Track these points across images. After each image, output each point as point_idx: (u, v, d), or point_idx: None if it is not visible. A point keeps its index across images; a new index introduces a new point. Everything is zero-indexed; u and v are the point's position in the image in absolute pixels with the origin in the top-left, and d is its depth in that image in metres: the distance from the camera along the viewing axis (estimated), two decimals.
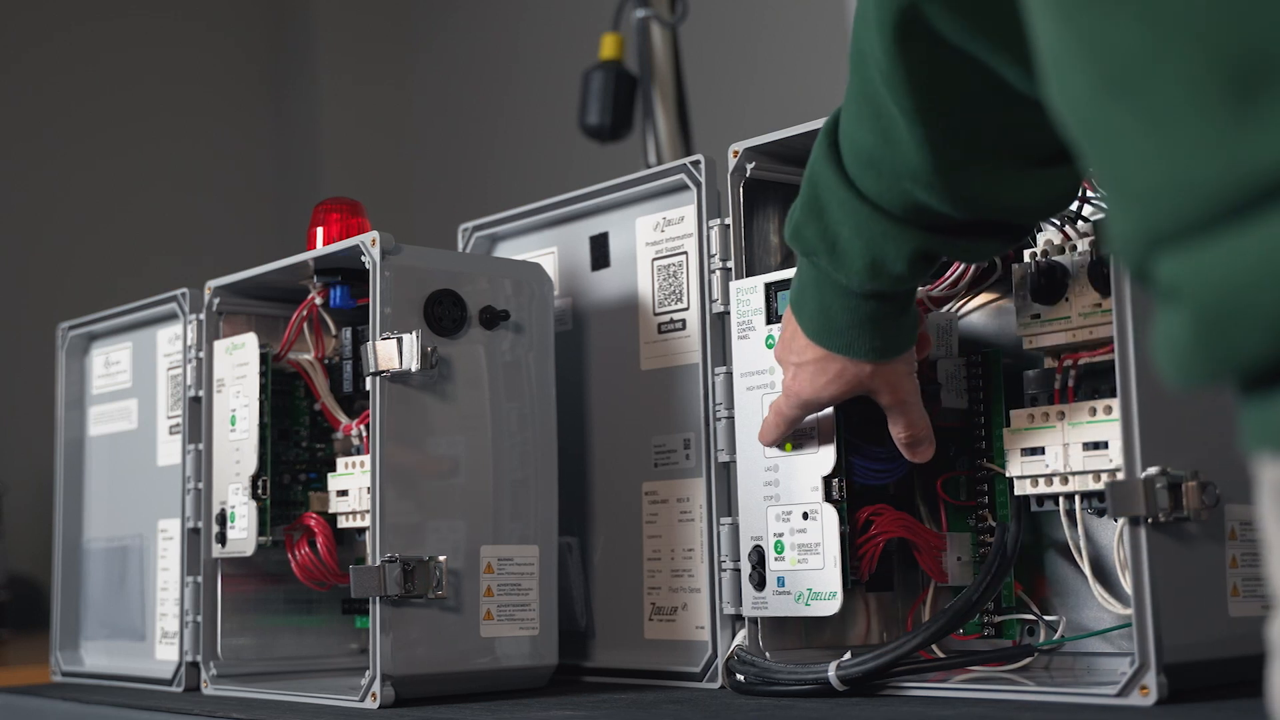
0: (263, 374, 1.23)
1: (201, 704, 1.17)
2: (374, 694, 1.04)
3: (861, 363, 0.92)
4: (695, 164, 1.14)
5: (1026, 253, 0.95)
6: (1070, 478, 0.92)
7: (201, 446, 1.28)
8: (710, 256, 1.11)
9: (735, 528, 1.05)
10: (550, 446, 1.15)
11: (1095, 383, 0.94)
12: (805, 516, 1.00)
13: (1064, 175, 0.81)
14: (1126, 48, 0.48)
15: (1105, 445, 0.89)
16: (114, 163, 3.30)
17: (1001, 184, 0.80)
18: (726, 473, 1.08)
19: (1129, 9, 0.48)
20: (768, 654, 1.03)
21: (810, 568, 0.99)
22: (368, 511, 1.10)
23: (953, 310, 1.05)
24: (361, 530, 1.21)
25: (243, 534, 1.23)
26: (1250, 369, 0.47)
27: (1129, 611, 0.84)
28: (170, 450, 1.39)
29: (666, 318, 1.17)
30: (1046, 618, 1.01)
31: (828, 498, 0.99)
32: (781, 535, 1.01)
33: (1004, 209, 0.82)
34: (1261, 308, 0.45)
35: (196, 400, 1.31)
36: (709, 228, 1.12)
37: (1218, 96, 0.46)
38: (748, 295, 1.05)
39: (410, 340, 1.06)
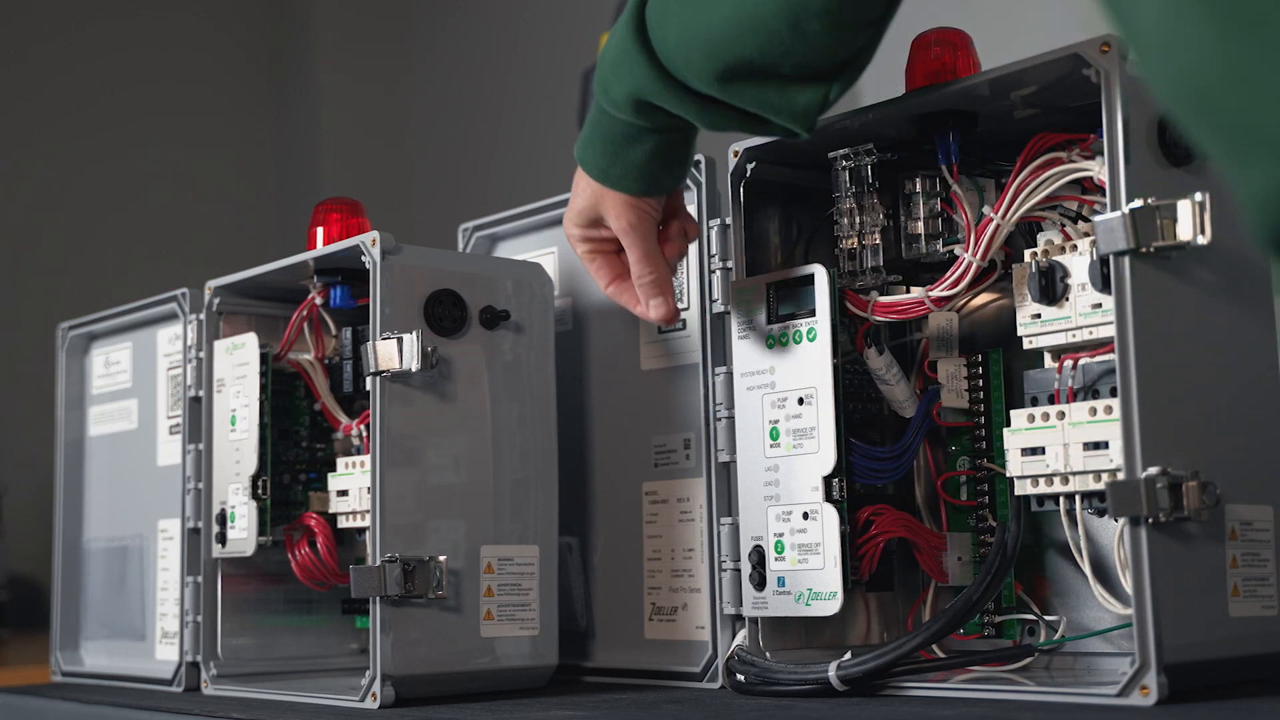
0: (263, 374, 1.23)
1: (201, 704, 1.16)
2: (374, 694, 1.04)
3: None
4: (695, 164, 1.14)
5: (1027, 253, 0.95)
6: (1070, 478, 0.92)
7: (201, 446, 1.28)
8: (710, 256, 1.11)
9: (735, 528, 1.05)
10: (550, 446, 1.15)
11: (1095, 383, 0.94)
12: (805, 516, 1.00)
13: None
14: None
15: (1105, 445, 0.89)
16: (114, 163, 3.30)
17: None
18: (726, 473, 1.08)
19: None
20: (768, 654, 1.03)
21: (810, 568, 0.99)
22: (368, 511, 1.10)
23: (953, 310, 1.05)
24: (361, 530, 1.21)
25: (243, 534, 1.23)
26: None
27: (1129, 611, 0.84)
28: (170, 450, 1.39)
29: None
30: (1047, 618, 1.01)
31: (828, 498, 0.99)
32: (781, 535, 1.01)
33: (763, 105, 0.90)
34: None
35: (196, 400, 1.31)
36: (709, 228, 1.12)
37: None
38: (748, 295, 1.05)
39: (410, 340, 1.06)
